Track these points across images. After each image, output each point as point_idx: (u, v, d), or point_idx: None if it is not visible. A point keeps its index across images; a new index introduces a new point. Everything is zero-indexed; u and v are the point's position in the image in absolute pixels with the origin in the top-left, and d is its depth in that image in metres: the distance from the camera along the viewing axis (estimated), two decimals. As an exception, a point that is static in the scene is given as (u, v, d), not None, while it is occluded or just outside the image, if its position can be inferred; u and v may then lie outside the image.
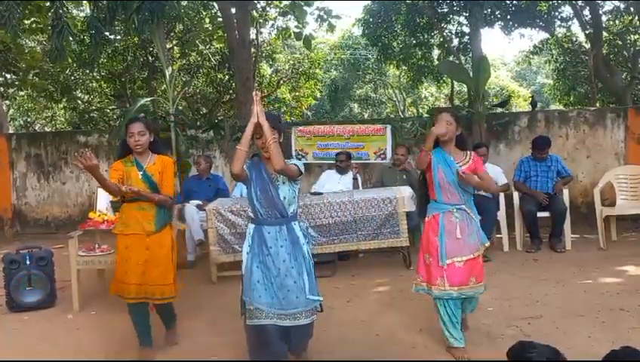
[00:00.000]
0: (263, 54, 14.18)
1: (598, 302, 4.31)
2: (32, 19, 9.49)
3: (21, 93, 14.12)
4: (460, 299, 3.45)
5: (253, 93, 2.99)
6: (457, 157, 3.46)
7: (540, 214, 6.15)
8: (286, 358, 3.11)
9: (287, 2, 11.44)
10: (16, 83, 11.58)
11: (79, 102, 14.44)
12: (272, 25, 13.46)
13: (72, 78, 13.11)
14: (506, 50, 51.73)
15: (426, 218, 3.56)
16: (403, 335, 3.84)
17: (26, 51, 10.85)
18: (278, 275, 2.98)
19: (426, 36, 11.85)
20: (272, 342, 2.99)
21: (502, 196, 6.30)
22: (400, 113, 19.42)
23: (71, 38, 7.65)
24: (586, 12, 10.50)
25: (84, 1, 10.85)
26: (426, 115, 10.07)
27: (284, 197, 3.01)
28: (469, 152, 3.53)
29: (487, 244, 3.59)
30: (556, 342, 2.25)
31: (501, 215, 6.19)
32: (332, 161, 6.90)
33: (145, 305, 3.59)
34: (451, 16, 11.00)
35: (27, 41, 11.82)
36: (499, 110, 11.36)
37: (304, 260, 3.03)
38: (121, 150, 3.58)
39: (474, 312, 3.84)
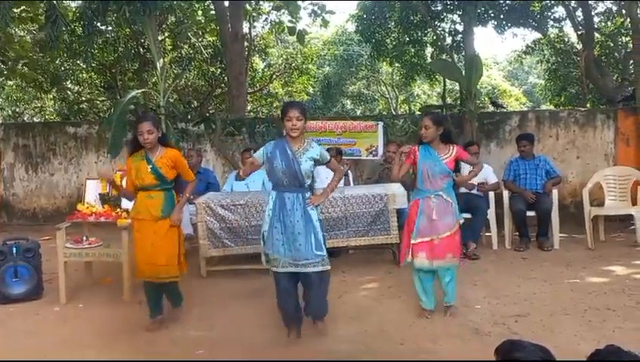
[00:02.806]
0: (256, 48, 14.10)
1: (584, 301, 4.35)
2: (22, 7, 9.37)
3: (10, 82, 13.93)
4: (432, 271, 4.02)
5: None
6: (441, 151, 4.04)
7: (528, 213, 6.20)
8: (295, 295, 3.77)
9: (280, -3, 11.40)
10: (5, 72, 11.40)
11: (69, 93, 14.27)
12: (266, 19, 13.40)
13: (62, 68, 12.94)
14: (498, 49, 51.93)
15: (410, 201, 4.19)
16: (392, 331, 3.86)
17: (16, 40, 10.70)
18: (293, 232, 3.60)
19: (419, 34, 11.83)
20: (285, 284, 3.69)
21: (492, 195, 6.34)
22: (392, 110, 19.41)
23: (63, 29, 7.56)
24: (579, 13, 10.55)
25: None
26: (418, 113, 10.09)
27: (305, 171, 3.64)
28: (452, 146, 4.07)
29: (462, 221, 4.09)
30: (542, 339, 2.26)
31: (491, 214, 6.23)
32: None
33: (155, 283, 3.99)
34: (445, 14, 10.98)
35: (17, 30, 11.66)
36: (490, 109, 11.42)
37: (312, 222, 3.64)
38: (132, 146, 4.01)
39: (451, 291, 4.08)
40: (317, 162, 3.72)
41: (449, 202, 3.99)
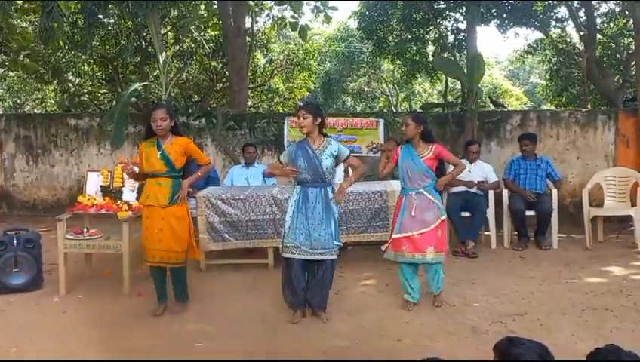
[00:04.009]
0: (258, 43, 14.06)
1: (582, 301, 4.37)
2: (24, -2, 9.35)
3: (11, 73, 13.91)
4: (417, 265, 4.22)
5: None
6: (421, 149, 4.24)
7: (528, 213, 6.21)
8: (304, 280, 4.07)
9: (283, -8, 11.34)
10: (7, 63, 11.39)
11: (70, 85, 14.24)
12: (268, 14, 13.37)
13: (64, 60, 12.91)
14: (500, 48, 51.85)
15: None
16: (389, 328, 3.87)
17: (18, 32, 10.67)
18: (314, 223, 3.94)
19: (421, 31, 11.79)
20: (297, 270, 4.03)
21: (491, 194, 6.35)
22: (393, 108, 19.37)
23: (62, 20, 7.52)
24: (581, 13, 10.53)
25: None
26: (418, 111, 10.08)
27: (326, 168, 3.98)
28: (432, 145, 4.24)
29: (444, 217, 4.20)
30: (540, 339, 2.27)
31: (490, 212, 6.24)
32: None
33: (162, 268, 4.14)
34: (448, 12, 10.97)
35: (19, 21, 11.63)
36: (491, 108, 11.41)
37: (333, 215, 3.99)
38: (147, 132, 4.15)
39: (440, 288, 4.23)
40: (336, 158, 4.04)
41: (431, 200, 4.17)
